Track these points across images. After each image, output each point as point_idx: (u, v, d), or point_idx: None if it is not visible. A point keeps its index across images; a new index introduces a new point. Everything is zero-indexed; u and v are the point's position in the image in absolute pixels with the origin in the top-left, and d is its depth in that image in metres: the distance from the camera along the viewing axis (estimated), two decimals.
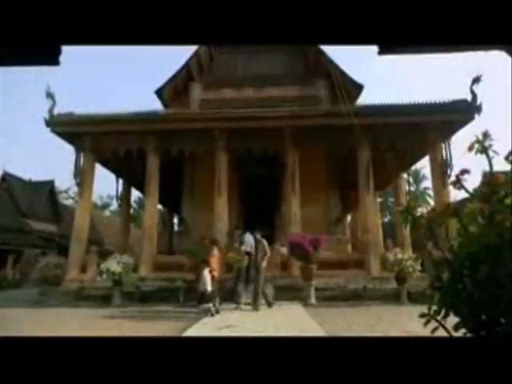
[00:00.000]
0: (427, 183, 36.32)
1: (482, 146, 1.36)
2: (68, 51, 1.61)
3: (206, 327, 5.96)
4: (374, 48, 1.56)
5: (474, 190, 1.41)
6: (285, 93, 14.12)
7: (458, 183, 1.42)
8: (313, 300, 9.10)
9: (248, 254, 8.95)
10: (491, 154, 1.35)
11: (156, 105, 14.95)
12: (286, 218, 11.74)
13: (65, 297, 10.28)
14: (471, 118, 10.66)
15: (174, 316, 7.61)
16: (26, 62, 1.57)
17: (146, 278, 10.63)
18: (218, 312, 7.37)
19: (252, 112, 11.55)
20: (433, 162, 11.31)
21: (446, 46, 1.49)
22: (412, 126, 11.04)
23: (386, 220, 34.09)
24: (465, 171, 1.42)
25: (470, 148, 1.38)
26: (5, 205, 21.99)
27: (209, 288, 7.56)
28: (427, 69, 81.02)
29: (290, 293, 9.42)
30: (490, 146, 1.36)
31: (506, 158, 1.30)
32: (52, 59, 1.52)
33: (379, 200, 23.02)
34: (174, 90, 15.03)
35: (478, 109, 10.52)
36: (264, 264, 8.52)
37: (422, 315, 1.39)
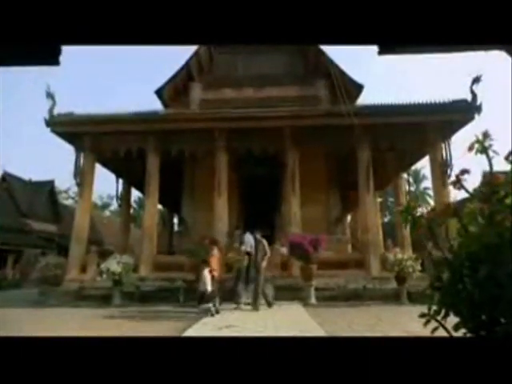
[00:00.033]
0: (427, 183, 36.39)
1: (482, 146, 1.36)
2: (68, 51, 1.61)
3: (205, 327, 5.96)
4: (374, 48, 1.56)
5: (474, 189, 1.41)
6: (285, 93, 14.12)
7: (458, 183, 1.42)
8: (313, 300, 9.10)
9: (248, 254, 8.94)
10: (491, 153, 1.35)
11: (156, 105, 14.98)
12: (285, 217, 11.74)
13: (65, 297, 10.28)
14: (471, 118, 10.66)
15: (173, 316, 7.61)
16: (26, 61, 1.57)
17: (145, 278, 10.63)
18: (217, 312, 7.37)
19: (252, 112, 11.55)
20: (433, 161, 11.31)
21: (446, 45, 1.49)
22: (412, 126, 11.04)
23: (386, 220, 34.08)
24: (465, 171, 1.42)
25: (470, 148, 1.38)
26: (5, 205, 21.99)
27: (209, 288, 7.56)
28: (427, 69, 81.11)
29: (289, 293, 9.42)
30: (490, 145, 1.36)
31: (506, 158, 1.30)
32: (52, 59, 1.52)
33: (379, 200, 23.02)
34: (173, 90, 15.03)
35: (478, 109, 10.52)
36: (264, 264, 8.52)
37: (422, 315, 1.39)
